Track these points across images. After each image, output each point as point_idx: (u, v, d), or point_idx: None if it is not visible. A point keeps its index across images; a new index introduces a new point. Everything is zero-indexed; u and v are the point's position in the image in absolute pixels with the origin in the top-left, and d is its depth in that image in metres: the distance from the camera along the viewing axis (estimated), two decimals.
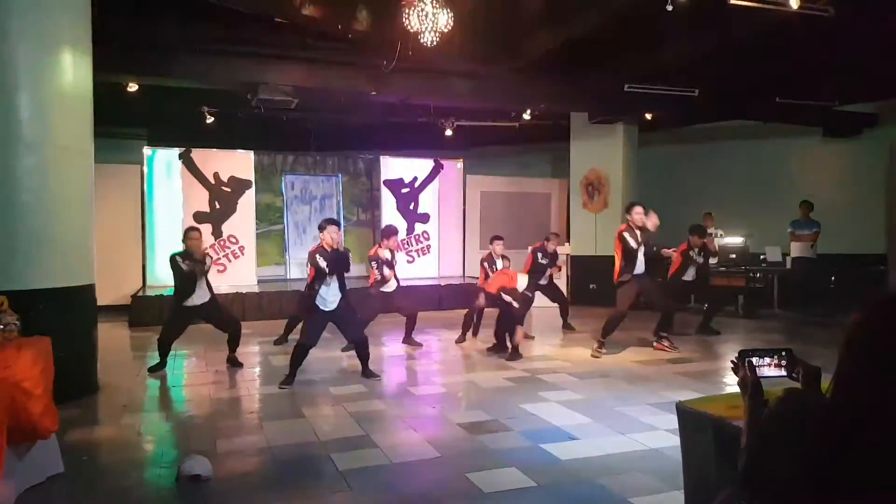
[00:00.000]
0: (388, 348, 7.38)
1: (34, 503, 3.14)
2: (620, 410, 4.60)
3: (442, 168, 12.15)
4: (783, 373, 1.71)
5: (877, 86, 9.37)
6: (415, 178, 11.95)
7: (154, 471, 3.56)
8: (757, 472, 1.39)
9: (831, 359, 1.33)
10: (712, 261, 8.56)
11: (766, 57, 7.98)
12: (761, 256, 9.70)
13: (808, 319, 8.80)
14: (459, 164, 12.43)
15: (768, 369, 1.70)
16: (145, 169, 10.34)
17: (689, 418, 2.60)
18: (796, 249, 9.39)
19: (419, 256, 11.91)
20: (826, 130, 10.67)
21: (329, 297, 5.46)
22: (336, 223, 5.75)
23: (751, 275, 9.53)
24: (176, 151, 10.39)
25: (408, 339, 7.44)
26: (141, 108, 9.98)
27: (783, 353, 1.71)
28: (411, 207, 11.92)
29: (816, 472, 1.24)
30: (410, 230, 11.85)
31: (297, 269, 11.63)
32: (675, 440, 2.80)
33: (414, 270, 11.54)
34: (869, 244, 9.92)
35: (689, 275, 8.01)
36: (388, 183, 11.75)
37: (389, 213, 11.68)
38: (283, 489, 3.30)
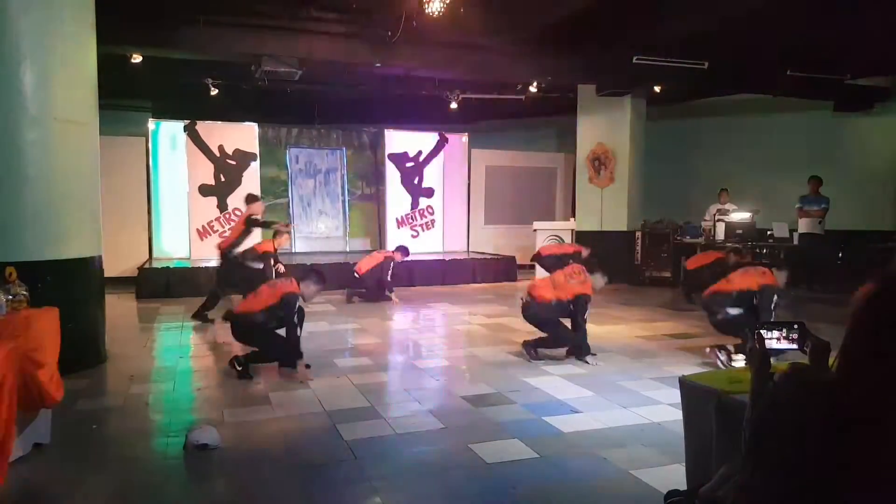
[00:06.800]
0: (393, 322, 7.43)
1: (41, 472, 3.20)
2: (623, 384, 4.63)
3: (447, 142, 12.05)
4: (793, 346, 1.71)
5: (890, 59, 9.18)
6: (419, 152, 11.87)
7: (162, 440, 3.62)
8: (759, 445, 1.40)
9: (837, 335, 1.33)
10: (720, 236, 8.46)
11: (778, 29, 7.81)
12: (768, 232, 9.63)
13: (814, 296, 8.78)
14: (464, 138, 12.32)
15: (777, 342, 1.70)
16: (150, 141, 10.31)
17: (691, 392, 2.62)
18: (804, 225, 9.31)
19: (423, 231, 11.90)
20: (837, 104, 10.48)
21: None
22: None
23: (757, 250, 9.48)
24: (180, 124, 10.33)
25: None
26: (145, 80, 9.91)
27: (794, 327, 1.70)
28: (416, 181, 11.86)
29: (818, 446, 1.25)
30: (415, 205, 11.82)
31: (302, 243, 11.66)
32: (677, 414, 2.82)
33: (418, 245, 11.55)
34: (877, 220, 9.83)
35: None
36: (393, 157, 11.68)
37: (394, 187, 11.64)
38: (289, 458, 3.35)
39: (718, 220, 9.65)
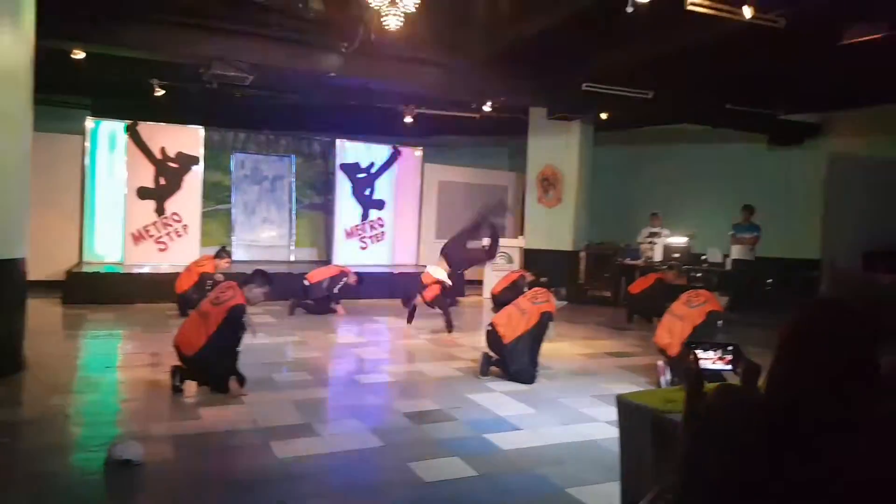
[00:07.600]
0: (336, 336, 7.29)
1: None
2: (563, 401, 4.67)
3: (400, 155, 12.03)
4: (727, 367, 1.76)
5: (820, 97, 9.78)
6: (372, 164, 11.80)
7: (81, 455, 3.40)
8: (693, 463, 1.42)
9: (767, 358, 1.37)
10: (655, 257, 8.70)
11: (719, 64, 8.21)
12: (703, 256, 10.02)
13: (744, 320, 9.15)
14: (418, 152, 12.33)
15: (712, 363, 1.74)
16: (88, 140, 9.85)
17: (627, 411, 2.66)
18: (737, 251, 9.74)
19: (373, 243, 11.79)
20: (771, 138, 11.09)
21: None
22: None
23: (692, 274, 9.83)
24: (121, 123, 9.94)
25: None
26: (86, 77, 9.46)
27: (729, 348, 1.75)
28: (367, 193, 11.78)
29: (750, 464, 1.27)
30: (365, 216, 11.72)
31: (242, 251, 11.32)
32: (615, 432, 2.85)
33: (367, 257, 11.43)
34: (805, 250, 10.38)
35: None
36: (345, 167, 11.56)
37: (344, 197, 11.51)
38: (217, 476, 3.21)
39: (650, 243, 10.00)
